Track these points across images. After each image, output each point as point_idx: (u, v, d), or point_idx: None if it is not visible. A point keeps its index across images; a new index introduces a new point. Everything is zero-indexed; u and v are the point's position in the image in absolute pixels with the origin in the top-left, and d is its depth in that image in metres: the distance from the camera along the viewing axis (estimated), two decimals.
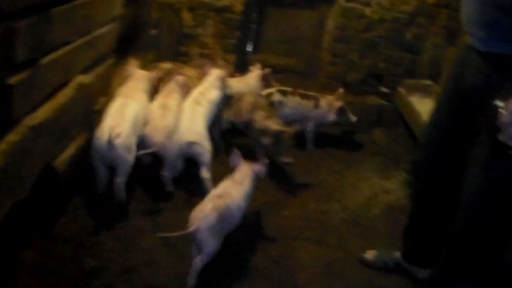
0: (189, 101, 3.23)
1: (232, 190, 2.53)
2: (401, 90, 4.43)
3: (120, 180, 2.71)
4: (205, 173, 3.02)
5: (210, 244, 2.30)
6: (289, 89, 3.92)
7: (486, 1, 1.89)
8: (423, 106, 4.13)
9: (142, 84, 3.19)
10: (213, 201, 2.39)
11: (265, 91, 3.84)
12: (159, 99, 3.23)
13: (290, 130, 3.27)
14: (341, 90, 4.02)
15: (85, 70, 2.52)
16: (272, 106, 3.65)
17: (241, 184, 2.61)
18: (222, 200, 2.42)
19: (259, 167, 2.73)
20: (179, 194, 3.13)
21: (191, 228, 2.25)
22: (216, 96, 3.39)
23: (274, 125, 3.27)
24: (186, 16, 4.22)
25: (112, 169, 2.76)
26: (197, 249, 2.33)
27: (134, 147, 2.75)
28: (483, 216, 2.02)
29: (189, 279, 2.32)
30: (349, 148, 4.21)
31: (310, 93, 4.03)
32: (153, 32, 3.96)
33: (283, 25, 4.44)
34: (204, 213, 2.31)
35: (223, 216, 2.36)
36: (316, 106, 3.95)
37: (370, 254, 2.82)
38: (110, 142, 2.54)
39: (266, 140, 3.30)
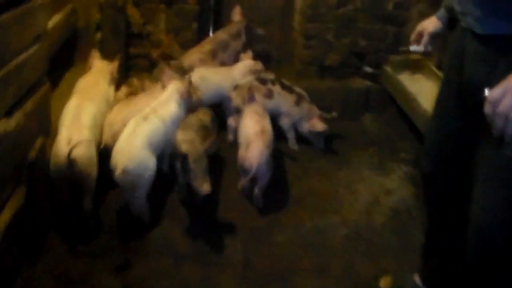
0: (135, 117, 2.80)
1: (266, 123, 3.15)
2: (388, 68, 4.13)
3: (88, 200, 2.53)
4: (134, 208, 2.68)
5: (267, 176, 2.93)
6: (270, 76, 3.68)
7: None
8: (414, 85, 3.87)
9: (102, 77, 3.06)
10: (262, 138, 2.94)
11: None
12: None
13: (200, 149, 2.67)
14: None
15: (9, 112, 2.06)
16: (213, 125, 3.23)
17: (265, 114, 3.26)
18: (266, 134, 3.00)
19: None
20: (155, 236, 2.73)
21: (253, 168, 2.81)
22: (171, 113, 2.92)
23: (185, 145, 2.75)
24: (133, 13, 3.79)
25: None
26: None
27: (95, 158, 2.57)
28: (499, 235, 1.71)
29: (258, 202, 2.97)
30: (337, 142, 3.88)
31: (297, 88, 3.68)
32: (97, 36, 3.48)
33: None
34: (260, 151, 2.86)
35: (270, 148, 2.95)
36: (297, 104, 3.57)
37: (385, 283, 2.50)
38: (69, 157, 2.36)
39: (177, 165, 2.79)
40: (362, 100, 4.22)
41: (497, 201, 1.69)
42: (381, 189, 3.34)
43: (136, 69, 3.71)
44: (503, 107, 1.22)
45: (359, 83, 4.25)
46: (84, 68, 3.23)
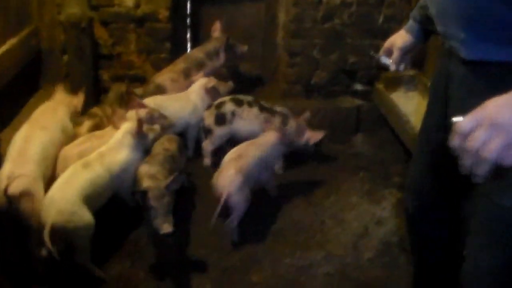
0: (75, 163, 2.56)
1: (249, 149, 2.92)
2: (380, 86, 3.91)
3: (33, 241, 2.33)
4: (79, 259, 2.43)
5: (241, 206, 2.71)
6: (248, 98, 3.45)
7: None
8: (408, 104, 3.63)
9: (61, 107, 2.88)
10: (235, 164, 2.74)
11: (216, 101, 3.42)
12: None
13: (161, 185, 2.40)
14: (307, 114, 3.40)
15: None
16: (180, 153, 2.99)
17: (259, 145, 3.00)
18: (242, 160, 2.80)
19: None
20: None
21: (222, 197, 2.59)
22: (121, 160, 2.67)
23: (147, 181, 2.53)
24: (101, 34, 3.58)
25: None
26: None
27: (40, 194, 2.35)
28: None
29: (232, 236, 2.78)
30: (325, 166, 3.63)
31: (278, 108, 3.44)
32: (65, 58, 3.28)
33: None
34: (230, 178, 2.66)
35: (247, 175, 2.73)
36: (284, 124, 3.31)
37: None
38: (5, 194, 2.20)
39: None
40: (352, 120, 3.96)
41: (491, 262, 1.43)
42: (371, 219, 3.10)
43: (106, 93, 3.47)
44: (473, 141, 0.96)
45: (349, 102, 4.00)
46: (52, 91, 3.05)
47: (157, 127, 2.88)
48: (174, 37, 3.80)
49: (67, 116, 2.90)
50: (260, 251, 2.77)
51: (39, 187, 2.37)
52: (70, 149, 2.69)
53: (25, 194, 2.26)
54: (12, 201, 2.21)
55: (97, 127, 3.03)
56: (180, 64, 3.58)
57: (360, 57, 3.91)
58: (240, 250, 2.76)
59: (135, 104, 2.91)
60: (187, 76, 3.54)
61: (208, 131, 3.37)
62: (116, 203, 2.71)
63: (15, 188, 2.22)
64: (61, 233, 2.29)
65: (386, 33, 3.84)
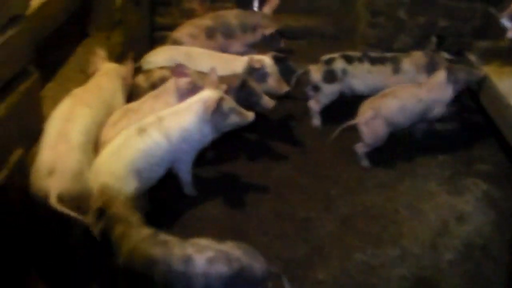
0: (130, 127, 2.40)
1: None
2: (472, 57, 3.58)
3: (76, 234, 2.12)
4: None
5: (371, 135, 3.06)
6: (357, 53, 3.41)
7: None
8: (506, 81, 3.32)
9: (108, 80, 2.66)
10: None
11: (325, 57, 3.33)
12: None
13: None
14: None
15: None
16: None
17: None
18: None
19: None
20: None
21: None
22: (183, 126, 2.47)
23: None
24: None
25: None
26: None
27: (84, 189, 2.14)
28: None
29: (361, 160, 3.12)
30: (400, 144, 3.35)
31: (388, 54, 3.42)
32: (117, 2, 3.02)
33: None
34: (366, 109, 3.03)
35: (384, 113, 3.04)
36: (396, 70, 3.31)
37: None
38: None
39: None
40: None
41: None
42: (451, 213, 2.87)
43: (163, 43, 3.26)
44: None
45: None
46: (101, 39, 2.81)
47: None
48: None
49: (117, 91, 2.69)
50: (328, 242, 2.60)
51: (83, 180, 2.16)
52: (107, 133, 2.45)
53: (69, 195, 2.05)
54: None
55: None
56: (206, 21, 3.33)
57: (453, 21, 3.66)
58: (306, 239, 2.59)
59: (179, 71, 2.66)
60: (209, 37, 3.28)
61: (315, 88, 3.33)
62: None
63: (60, 188, 2.01)
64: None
65: None
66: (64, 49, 2.85)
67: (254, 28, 3.38)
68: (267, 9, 3.46)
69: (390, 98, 3.06)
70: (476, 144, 3.40)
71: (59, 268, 2.23)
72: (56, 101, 2.40)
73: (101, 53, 2.82)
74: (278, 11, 3.81)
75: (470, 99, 3.63)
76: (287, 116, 3.49)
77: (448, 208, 2.89)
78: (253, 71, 2.88)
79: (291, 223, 2.66)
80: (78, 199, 2.09)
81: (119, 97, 2.70)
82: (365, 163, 3.13)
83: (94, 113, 2.43)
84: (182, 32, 3.25)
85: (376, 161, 3.18)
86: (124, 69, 2.81)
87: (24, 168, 2.03)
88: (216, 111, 2.46)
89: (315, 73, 3.28)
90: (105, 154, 2.25)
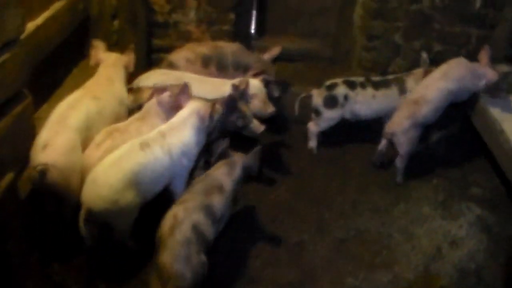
0: (133, 140, 2.42)
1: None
2: None
3: (67, 212, 2.31)
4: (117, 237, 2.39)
5: (406, 146, 3.11)
6: (359, 78, 3.43)
7: None
8: (502, 108, 3.28)
9: (116, 72, 2.78)
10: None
11: (327, 82, 3.35)
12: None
13: None
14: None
15: None
16: None
17: None
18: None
19: None
20: None
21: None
22: (184, 141, 2.50)
23: None
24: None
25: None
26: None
27: (75, 165, 2.31)
28: None
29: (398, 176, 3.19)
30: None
31: (390, 76, 3.47)
32: (115, 25, 3.08)
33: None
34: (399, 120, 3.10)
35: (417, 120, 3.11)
36: (402, 91, 3.34)
37: None
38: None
39: None
40: None
41: None
42: (445, 238, 2.88)
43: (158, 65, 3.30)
44: None
45: None
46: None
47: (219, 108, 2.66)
48: (238, 9, 3.63)
49: (123, 83, 2.79)
50: (320, 267, 2.61)
51: (74, 158, 2.30)
52: (91, 154, 2.44)
53: (54, 166, 2.17)
54: (43, 172, 2.14)
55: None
56: (203, 48, 3.31)
57: (448, 45, 3.70)
58: (298, 263, 2.59)
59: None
60: (205, 65, 3.27)
61: (316, 112, 3.34)
62: None
63: (43, 159, 2.16)
64: (98, 219, 2.23)
65: (483, 21, 3.56)
66: (61, 70, 2.87)
67: (246, 69, 3.34)
68: (267, 55, 3.44)
69: (423, 105, 3.09)
70: (471, 168, 3.41)
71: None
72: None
73: (100, 44, 2.89)
74: (276, 34, 3.88)
75: (465, 122, 3.65)
76: (282, 139, 3.52)
77: (441, 232, 2.90)
78: (237, 92, 2.80)
79: (284, 247, 2.66)
80: (68, 174, 2.24)
81: (124, 87, 2.81)
82: (400, 179, 3.19)
83: (101, 105, 2.56)
84: (179, 55, 3.25)
85: (372, 184, 3.20)
86: (127, 58, 2.88)
87: (15, 192, 2.05)
88: (210, 119, 2.55)
89: (317, 97, 3.29)
90: (104, 164, 2.27)
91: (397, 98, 3.33)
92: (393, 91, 3.35)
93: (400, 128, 3.08)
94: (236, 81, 2.91)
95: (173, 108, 2.64)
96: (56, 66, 2.80)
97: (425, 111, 3.09)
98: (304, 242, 2.71)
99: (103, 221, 2.25)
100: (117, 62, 2.84)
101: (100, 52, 2.85)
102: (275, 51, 3.43)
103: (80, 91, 2.56)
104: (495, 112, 3.21)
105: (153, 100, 2.70)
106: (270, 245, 2.67)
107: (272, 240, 2.70)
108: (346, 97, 3.29)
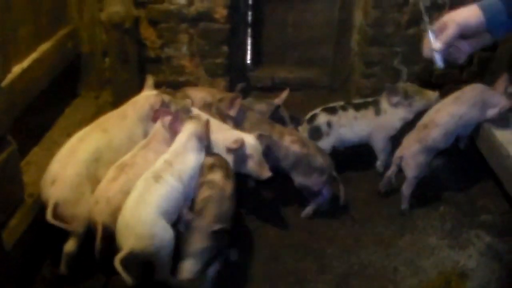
0: (144, 176, 2.43)
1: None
2: None
3: (73, 244, 2.42)
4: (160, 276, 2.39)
5: (415, 169, 3.12)
6: (339, 102, 3.46)
7: None
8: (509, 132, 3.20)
9: (132, 108, 2.83)
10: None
11: (308, 116, 3.37)
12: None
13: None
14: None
15: None
16: None
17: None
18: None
19: None
20: None
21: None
22: (190, 165, 2.56)
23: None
24: (148, 34, 3.43)
25: None
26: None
27: (82, 197, 2.42)
28: None
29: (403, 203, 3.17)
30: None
31: (369, 98, 3.49)
32: (107, 62, 3.11)
33: (291, 25, 3.77)
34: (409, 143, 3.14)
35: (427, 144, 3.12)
36: (377, 112, 3.36)
37: None
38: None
39: None
40: None
41: None
42: (454, 269, 2.80)
43: None
44: None
45: None
46: (90, 99, 2.89)
47: None
48: (232, 40, 3.63)
49: (138, 120, 2.81)
50: None
51: (83, 191, 2.42)
52: (108, 188, 2.46)
53: (65, 199, 2.33)
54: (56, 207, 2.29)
55: None
56: (203, 93, 3.28)
57: (448, 69, 3.68)
58: None
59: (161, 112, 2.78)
60: (206, 108, 3.20)
61: None
62: None
63: (52, 195, 2.31)
64: (141, 258, 2.28)
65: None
66: (52, 110, 2.90)
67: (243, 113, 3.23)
68: (277, 100, 3.41)
69: (433, 129, 3.11)
70: (479, 193, 3.34)
71: None
72: (41, 167, 2.49)
73: (149, 81, 2.96)
74: (272, 64, 3.88)
75: (471, 147, 3.61)
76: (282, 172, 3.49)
77: (450, 264, 2.82)
78: (230, 152, 2.77)
79: (284, 285, 2.61)
80: (74, 209, 2.36)
81: (140, 126, 2.82)
82: (406, 206, 3.16)
83: (109, 138, 2.63)
84: (199, 96, 3.24)
85: (375, 214, 3.15)
86: (155, 98, 2.85)
87: (1, 241, 2.03)
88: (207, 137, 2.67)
89: (302, 133, 3.28)
90: (129, 206, 2.28)
91: (374, 119, 3.33)
92: (370, 112, 3.35)
93: (409, 151, 3.08)
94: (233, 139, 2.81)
95: (173, 133, 2.71)
96: (47, 107, 2.82)
97: (435, 134, 3.08)
98: (305, 280, 2.65)
99: (145, 259, 2.31)
100: (140, 100, 2.88)
101: (146, 89, 2.94)
102: (284, 94, 3.43)
103: (92, 125, 2.69)
104: (501, 135, 3.15)
105: (159, 124, 2.74)
106: (269, 283, 2.62)
107: (271, 277, 2.64)
108: (329, 124, 3.30)
